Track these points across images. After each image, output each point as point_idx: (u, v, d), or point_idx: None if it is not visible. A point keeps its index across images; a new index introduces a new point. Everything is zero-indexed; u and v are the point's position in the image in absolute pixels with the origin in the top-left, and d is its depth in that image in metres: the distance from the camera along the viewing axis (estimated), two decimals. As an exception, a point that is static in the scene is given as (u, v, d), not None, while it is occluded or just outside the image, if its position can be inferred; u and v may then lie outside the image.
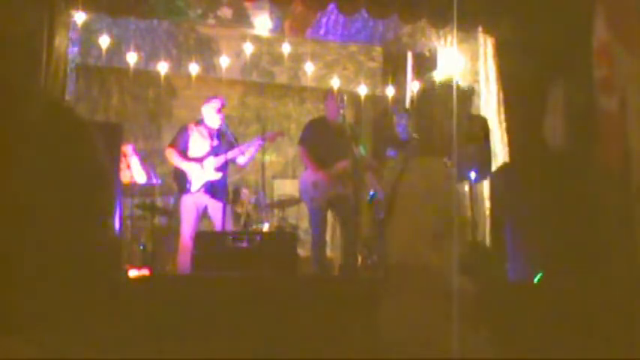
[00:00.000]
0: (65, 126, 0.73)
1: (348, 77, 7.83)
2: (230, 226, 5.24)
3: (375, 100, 7.83)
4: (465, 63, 6.04)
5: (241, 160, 5.27)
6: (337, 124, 5.19)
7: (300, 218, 7.01)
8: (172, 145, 5.24)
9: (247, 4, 5.89)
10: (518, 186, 4.70)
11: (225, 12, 6.16)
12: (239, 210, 6.61)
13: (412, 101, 6.95)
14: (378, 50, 7.75)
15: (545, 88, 4.61)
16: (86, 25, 5.80)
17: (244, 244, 4.06)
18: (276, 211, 6.82)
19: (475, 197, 5.45)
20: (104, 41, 6.29)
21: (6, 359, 0.60)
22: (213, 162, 5.13)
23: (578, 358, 2.08)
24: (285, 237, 4.99)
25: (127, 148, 5.80)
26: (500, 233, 4.87)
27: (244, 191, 6.88)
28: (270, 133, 5.51)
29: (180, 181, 5.16)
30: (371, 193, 5.46)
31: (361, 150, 5.11)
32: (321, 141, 5.18)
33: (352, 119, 7.61)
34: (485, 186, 5.54)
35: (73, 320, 0.67)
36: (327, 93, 5.60)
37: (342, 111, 5.14)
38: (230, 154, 5.11)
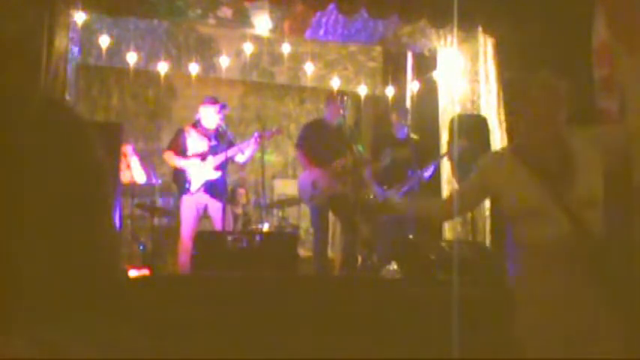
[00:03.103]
0: (65, 126, 0.73)
1: (348, 77, 7.83)
2: (229, 227, 5.23)
3: (375, 100, 7.83)
4: (465, 63, 6.04)
5: (241, 158, 5.26)
6: (335, 125, 5.20)
7: (301, 218, 7.01)
8: (170, 147, 5.24)
9: (247, 4, 5.88)
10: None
11: (225, 12, 6.15)
12: (237, 211, 6.61)
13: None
14: (378, 50, 7.75)
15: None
16: (86, 25, 5.79)
17: (244, 244, 4.06)
18: (276, 211, 6.82)
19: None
20: (104, 41, 6.29)
21: (6, 359, 0.60)
22: (212, 161, 5.13)
23: (578, 357, 2.08)
24: (285, 237, 4.99)
25: (127, 148, 5.80)
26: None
27: (240, 191, 6.88)
28: (268, 131, 5.51)
29: (180, 181, 5.16)
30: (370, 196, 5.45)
31: (360, 149, 5.12)
32: (319, 142, 5.19)
33: (352, 119, 7.61)
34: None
35: (72, 320, 0.67)
36: (330, 95, 5.61)
37: (342, 111, 5.14)
38: (229, 153, 5.10)
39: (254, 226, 6.34)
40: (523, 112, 2.16)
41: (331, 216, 5.48)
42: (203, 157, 5.13)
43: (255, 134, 5.28)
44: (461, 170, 5.16)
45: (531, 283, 2.10)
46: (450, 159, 5.31)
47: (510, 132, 5.36)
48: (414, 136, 5.63)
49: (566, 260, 2.03)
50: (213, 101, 5.25)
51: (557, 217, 2.03)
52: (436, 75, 6.47)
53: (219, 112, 5.16)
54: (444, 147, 5.83)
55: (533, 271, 2.11)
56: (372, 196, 5.45)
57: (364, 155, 5.25)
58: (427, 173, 5.32)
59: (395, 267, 4.61)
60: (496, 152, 2.31)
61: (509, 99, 2.44)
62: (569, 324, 2.00)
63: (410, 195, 5.36)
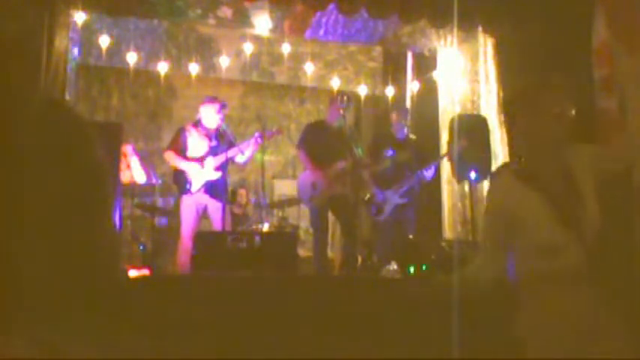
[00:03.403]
0: (65, 126, 0.73)
1: (348, 77, 7.83)
2: (229, 227, 5.23)
3: (375, 100, 7.83)
4: (464, 63, 6.04)
5: (241, 159, 5.26)
6: (336, 126, 5.20)
7: (301, 218, 7.01)
8: (171, 147, 5.23)
9: (247, 4, 5.88)
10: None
11: (225, 12, 6.15)
12: (237, 211, 6.61)
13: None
14: (378, 50, 7.75)
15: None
16: (86, 25, 5.79)
17: (244, 244, 4.06)
18: (276, 211, 6.82)
19: (475, 197, 5.45)
20: (104, 41, 6.29)
21: (6, 359, 0.60)
22: (212, 162, 5.13)
23: (579, 357, 2.07)
24: (285, 237, 4.98)
25: (127, 148, 5.81)
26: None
27: (241, 192, 6.88)
28: (269, 131, 5.51)
29: (181, 182, 5.16)
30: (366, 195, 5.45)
31: (359, 151, 5.12)
32: (320, 143, 5.19)
33: (352, 119, 7.61)
34: (485, 186, 5.54)
35: (72, 320, 0.67)
36: (331, 96, 5.63)
37: (342, 112, 5.14)
38: (230, 153, 5.10)
39: (254, 226, 6.34)
40: (525, 120, 2.02)
41: (331, 216, 5.48)
42: (201, 161, 5.13)
43: (256, 134, 5.28)
44: (461, 170, 5.17)
45: (533, 290, 2.06)
46: (450, 159, 5.31)
47: (510, 132, 5.36)
48: (412, 136, 5.63)
49: (572, 277, 1.98)
50: (213, 100, 5.26)
51: (570, 247, 1.94)
52: (436, 75, 6.47)
53: (218, 111, 5.16)
54: (444, 147, 5.83)
55: (536, 282, 2.05)
56: (369, 196, 5.46)
57: (364, 157, 5.26)
58: (429, 174, 5.32)
59: (395, 267, 4.61)
60: (499, 180, 2.11)
61: (510, 104, 2.24)
62: (570, 325, 1.99)
63: (409, 195, 5.37)
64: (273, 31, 6.51)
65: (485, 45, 5.70)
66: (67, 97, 5.19)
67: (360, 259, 5.66)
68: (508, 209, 2.06)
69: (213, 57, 7.31)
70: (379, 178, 5.39)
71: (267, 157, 6.35)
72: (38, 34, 4.40)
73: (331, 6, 5.32)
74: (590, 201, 1.97)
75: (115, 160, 4.46)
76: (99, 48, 6.36)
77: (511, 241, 2.07)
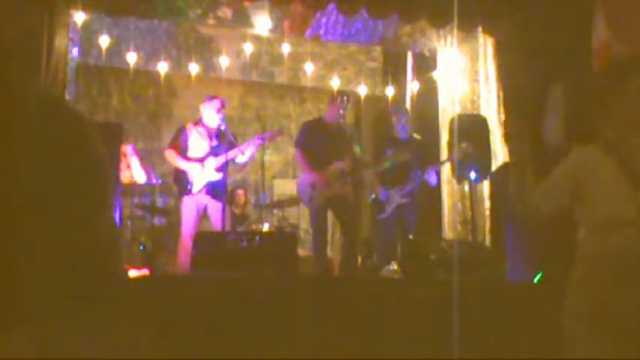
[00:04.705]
0: (65, 125, 0.73)
1: (348, 77, 7.82)
2: (229, 227, 5.23)
3: (375, 100, 7.83)
4: (464, 63, 6.04)
5: (241, 159, 5.26)
6: (334, 125, 5.19)
7: (300, 218, 7.01)
8: (172, 146, 5.22)
9: (247, 4, 5.89)
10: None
11: (225, 12, 6.16)
12: (236, 211, 6.61)
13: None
14: (378, 50, 7.75)
15: (545, 88, 4.60)
16: (86, 25, 5.79)
17: (244, 244, 4.06)
18: (276, 211, 6.82)
19: (475, 197, 5.45)
20: (104, 41, 6.28)
21: (6, 359, 0.60)
22: (213, 162, 5.12)
23: (581, 358, 2.08)
24: (285, 237, 4.98)
25: (127, 148, 5.80)
26: (500, 233, 4.86)
27: (239, 192, 6.88)
28: (269, 132, 5.50)
29: (182, 182, 5.15)
30: (372, 195, 5.45)
31: (358, 149, 5.11)
32: (317, 142, 5.18)
33: (352, 119, 7.61)
34: (486, 186, 5.54)
35: (72, 319, 0.67)
36: (331, 95, 5.61)
37: (342, 111, 5.13)
38: (230, 154, 5.10)
39: (254, 226, 6.34)
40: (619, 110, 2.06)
41: (331, 216, 5.48)
42: (202, 161, 5.12)
43: (257, 136, 5.29)
44: (460, 170, 5.17)
45: (591, 288, 2.04)
46: (451, 160, 5.31)
47: (511, 132, 5.35)
48: (416, 136, 5.62)
49: (630, 268, 1.97)
50: (213, 98, 5.26)
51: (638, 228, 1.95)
52: (436, 75, 6.46)
53: (219, 110, 5.16)
54: (444, 147, 5.82)
55: (594, 277, 2.04)
56: (374, 195, 5.45)
57: (363, 156, 5.25)
58: (432, 179, 5.30)
59: (395, 267, 4.61)
60: (583, 149, 2.14)
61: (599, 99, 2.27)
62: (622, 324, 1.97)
63: (410, 195, 5.37)
64: (273, 31, 6.52)
65: (485, 45, 5.69)
66: (67, 97, 5.19)
67: (360, 259, 5.66)
68: (586, 177, 2.08)
69: (213, 57, 7.31)
70: (383, 178, 5.38)
71: (267, 157, 6.34)
72: (38, 34, 4.40)
73: (331, 6, 5.32)
74: None
75: (115, 160, 4.46)
76: (99, 48, 6.35)
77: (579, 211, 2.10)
